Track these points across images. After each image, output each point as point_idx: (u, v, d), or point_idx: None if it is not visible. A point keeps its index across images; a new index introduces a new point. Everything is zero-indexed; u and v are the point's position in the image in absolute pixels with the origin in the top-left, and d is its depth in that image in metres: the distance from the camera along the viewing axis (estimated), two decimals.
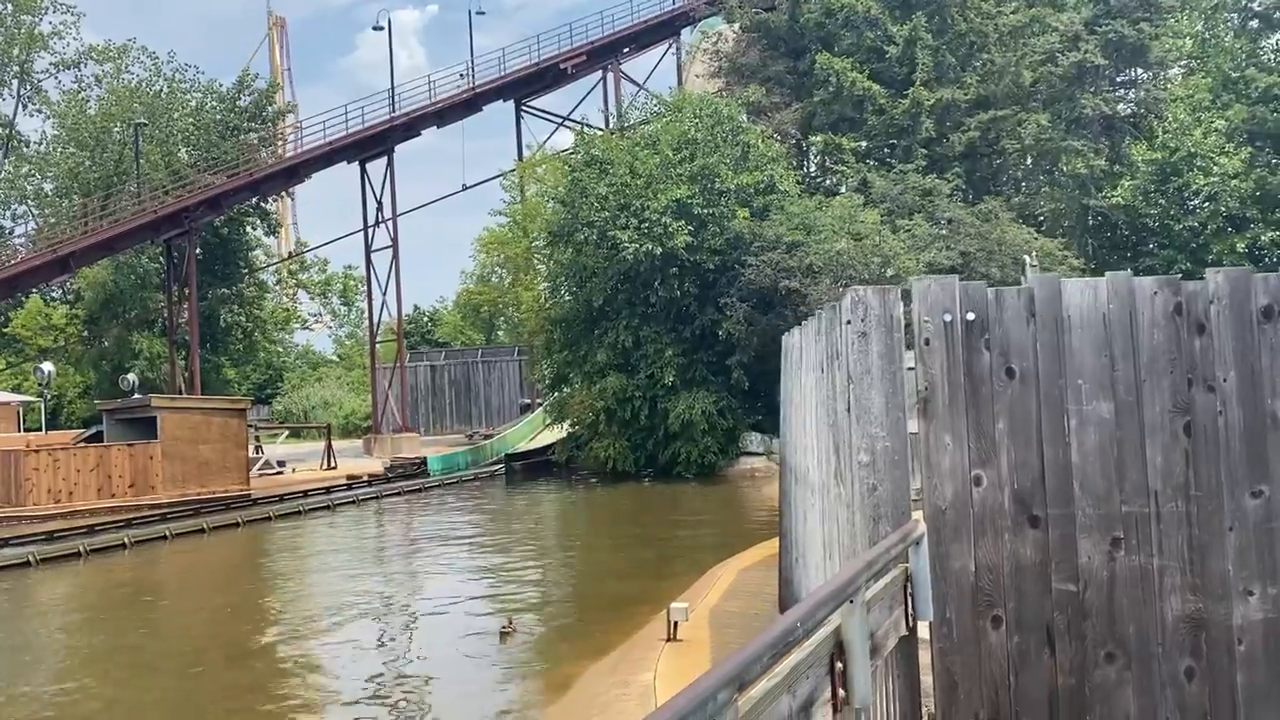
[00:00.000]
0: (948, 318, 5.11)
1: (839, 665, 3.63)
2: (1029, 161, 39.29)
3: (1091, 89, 36.85)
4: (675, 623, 8.73)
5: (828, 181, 38.87)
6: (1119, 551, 4.98)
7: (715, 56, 43.54)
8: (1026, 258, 18.64)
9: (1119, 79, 40.10)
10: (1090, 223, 36.51)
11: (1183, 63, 40.58)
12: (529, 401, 47.73)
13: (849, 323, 5.24)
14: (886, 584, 4.69)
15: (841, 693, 3.64)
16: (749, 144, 32.13)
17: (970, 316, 5.10)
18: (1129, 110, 38.95)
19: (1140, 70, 39.67)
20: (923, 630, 5.12)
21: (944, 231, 30.93)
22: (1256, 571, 4.83)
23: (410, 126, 43.41)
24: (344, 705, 10.35)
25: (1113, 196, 35.10)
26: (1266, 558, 4.85)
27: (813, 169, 41.27)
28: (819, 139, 37.45)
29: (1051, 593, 5.00)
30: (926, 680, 5.09)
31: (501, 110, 47.98)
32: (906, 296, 5.11)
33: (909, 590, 4.91)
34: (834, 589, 3.50)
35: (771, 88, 39.17)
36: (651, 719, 2.19)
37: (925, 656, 5.08)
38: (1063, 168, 35.94)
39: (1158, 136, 35.73)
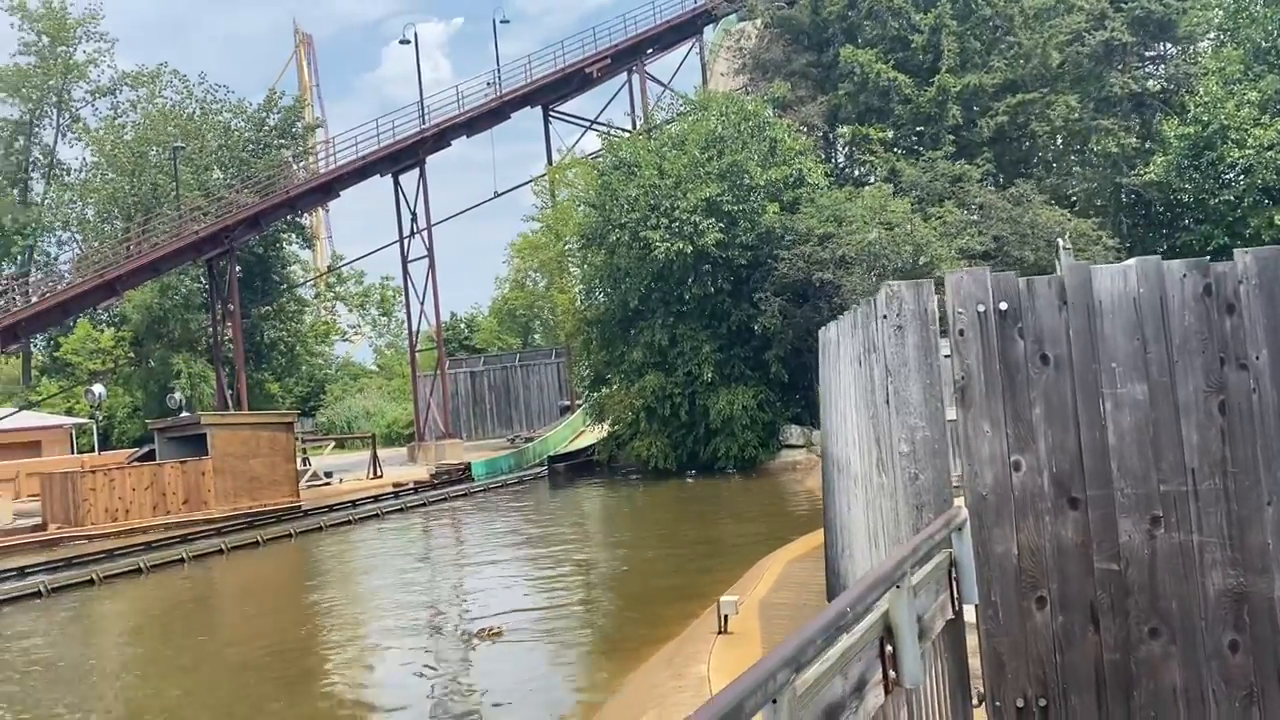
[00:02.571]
0: (981, 308, 5.23)
1: (888, 648, 3.82)
2: (1059, 143, 38.97)
3: (1120, 67, 36.47)
4: (726, 616, 8.90)
5: (856, 172, 38.82)
6: (1159, 529, 5.07)
7: (738, 54, 43.60)
8: (1060, 240, 18.58)
9: (1147, 55, 39.64)
10: (1124, 201, 36.14)
11: (1212, 35, 40.02)
12: (568, 403, 48.07)
13: (885, 317, 5.39)
14: (932, 569, 4.85)
15: (892, 674, 3.82)
16: (776, 139, 32.20)
17: (1003, 306, 5.22)
18: (1159, 86, 38.50)
19: (1169, 45, 39.19)
20: (970, 614, 5.28)
21: (975, 217, 30.82)
22: None
23: (440, 137, 43.87)
24: (401, 700, 10.63)
25: (1146, 174, 34.74)
26: None
27: (841, 160, 41.22)
28: (846, 130, 37.43)
29: (1094, 572, 5.10)
30: (975, 663, 5.25)
31: (530, 116, 48.44)
32: (940, 289, 5.26)
33: (953, 575, 5.07)
34: (881, 574, 3.68)
35: (796, 82, 39.18)
36: (718, 697, 2.39)
37: (973, 639, 5.24)
38: (1094, 147, 35.62)
39: (1189, 111, 35.30)
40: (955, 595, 5.06)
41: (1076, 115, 35.51)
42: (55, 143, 68.53)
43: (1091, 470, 5.07)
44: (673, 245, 29.09)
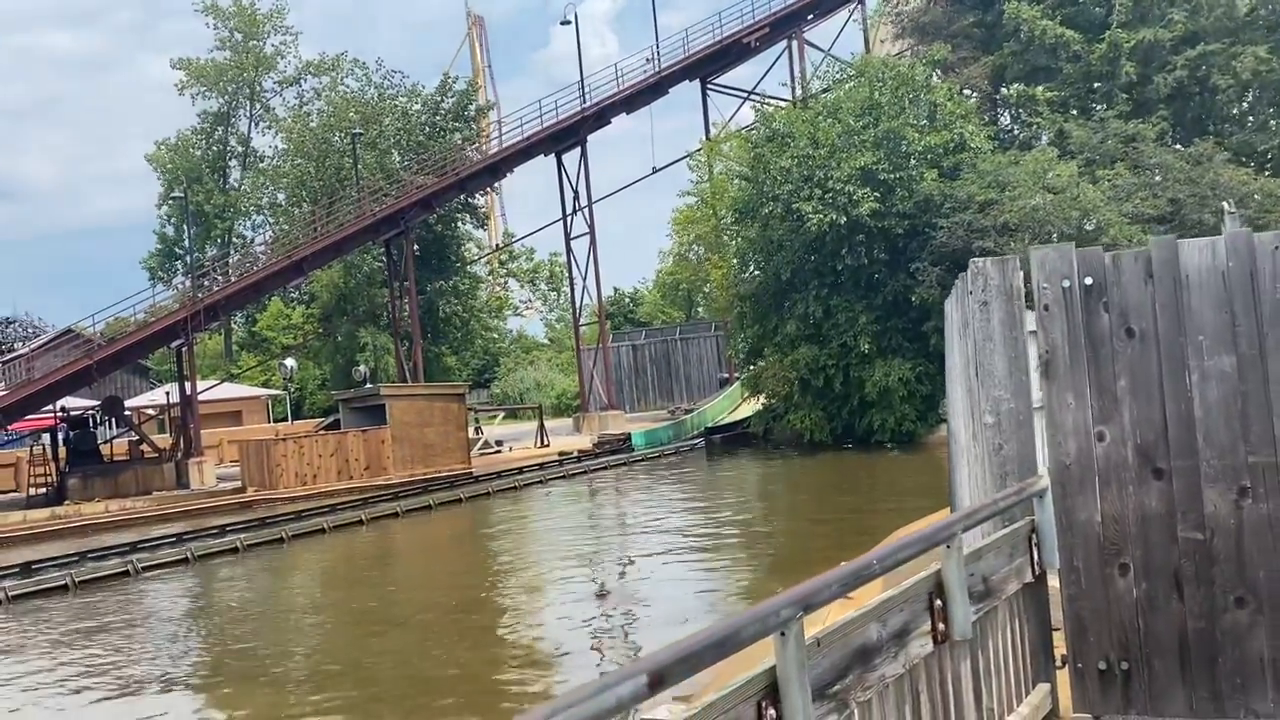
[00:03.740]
0: (1066, 283, 5.38)
1: (938, 602, 4.12)
2: (1250, 97, 36.42)
3: None
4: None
5: (1022, 135, 37.42)
6: (1246, 500, 5.11)
7: (898, 18, 42.59)
8: (1225, 204, 17.60)
9: None
10: None
11: None
12: (726, 376, 48.49)
13: (971, 293, 5.61)
14: (1008, 533, 5.09)
15: (941, 626, 4.13)
16: (936, 102, 31.48)
17: (1088, 281, 5.35)
18: None
19: None
20: (1053, 579, 5.47)
21: (1154, 179, 29.33)
22: None
23: (600, 115, 44.69)
24: (564, 645, 11.41)
25: None
26: None
27: (1007, 123, 39.79)
28: (1012, 91, 36.14)
29: (1178, 541, 5.19)
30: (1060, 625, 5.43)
31: (689, 89, 48.65)
32: (1027, 264, 5.45)
33: (1033, 540, 5.29)
34: (920, 536, 3.99)
35: (959, 43, 37.98)
36: (721, 621, 2.81)
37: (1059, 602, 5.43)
38: None
39: None
40: (1035, 559, 5.29)
41: (1268, 67, 33.13)
42: (249, 132, 73.48)
43: (1176, 441, 5.16)
44: (826, 216, 28.96)
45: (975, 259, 5.61)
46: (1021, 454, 5.42)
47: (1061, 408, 5.33)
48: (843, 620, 3.47)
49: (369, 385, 39.36)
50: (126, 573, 18.24)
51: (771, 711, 2.91)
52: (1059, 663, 5.38)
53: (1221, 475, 5.10)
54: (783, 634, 2.93)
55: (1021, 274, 5.48)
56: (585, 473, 31.74)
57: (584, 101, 44.17)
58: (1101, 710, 5.31)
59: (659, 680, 2.36)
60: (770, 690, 2.93)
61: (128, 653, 12.97)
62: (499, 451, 38.80)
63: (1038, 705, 5.13)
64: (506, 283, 75.74)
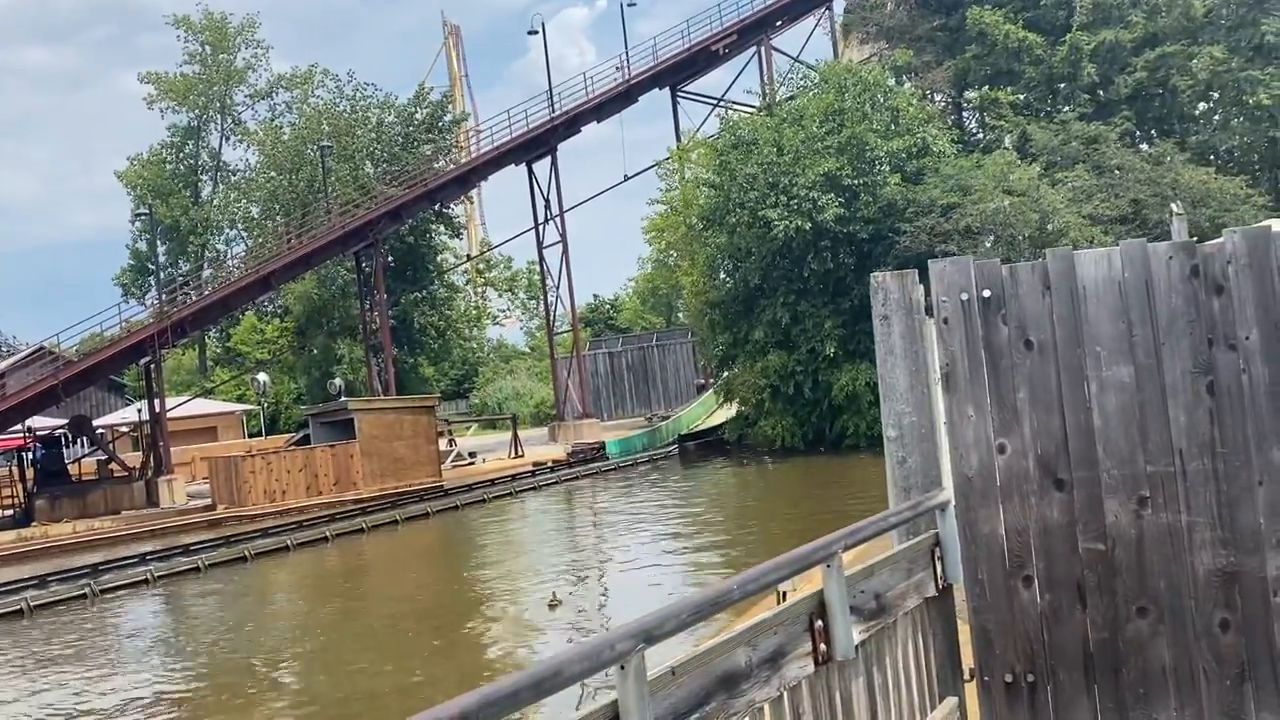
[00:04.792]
0: (964, 296, 5.38)
1: (819, 623, 4.10)
2: (1210, 98, 36.74)
3: (1277, 12, 34.09)
4: (784, 593, 9.14)
5: (986, 138, 37.63)
6: (1146, 510, 5.12)
7: (864, 22, 42.75)
8: (1173, 206, 17.68)
9: None
10: (1278, 157, 33.84)
11: None
12: (703, 382, 48.52)
13: (872, 308, 5.60)
14: (907, 548, 5.08)
15: (824, 647, 4.11)
16: (898, 108, 31.61)
17: (986, 294, 5.35)
18: None
19: None
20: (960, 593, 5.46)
21: (1115, 179, 29.50)
22: None
23: (571, 124, 44.68)
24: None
25: None
26: None
27: (972, 126, 40.01)
28: (974, 95, 36.32)
29: (1080, 552, 5.19)
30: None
31: (660, 97, 48.72)
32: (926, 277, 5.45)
33: (937, 554, 5.28)
34: (794, 556, 3.96)
35: (922, 47, 38.19)
36: (547, 660, 2.76)
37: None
38: (1247, 100, 33.44)
39: None
40: (939, 574, 5.28)
41: (1225, 67, 33.45)
42: (220, 146, 73.14)
43: (1076, 452, 5.16)
44: (791, 223, 29.03)
45: (876, 273, 5.61)
46: (924, 467, 5.40)
47: (962, 420, 5.32)
48: (704, 648, 3.44)
49: (344, 398, 39.15)
50: (85, 595, 18.06)
51: None
52: (967, 676, 5.37)
53: (1121, 485, 5.11)
54: (622, 668, 2.89)
55: (921, 288, 5.48)
56: (558, 483, 31.66)
57: (554, 110, 44.16)
58: None
59: None
60: None
61: (85, 678, 12.83)
62: (472, 463, 38.65)
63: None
64: (485, 292, 75.53)
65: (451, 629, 13.89)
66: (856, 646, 4.31)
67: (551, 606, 13.36)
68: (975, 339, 5.31)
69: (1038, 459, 5.21)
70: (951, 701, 5.25)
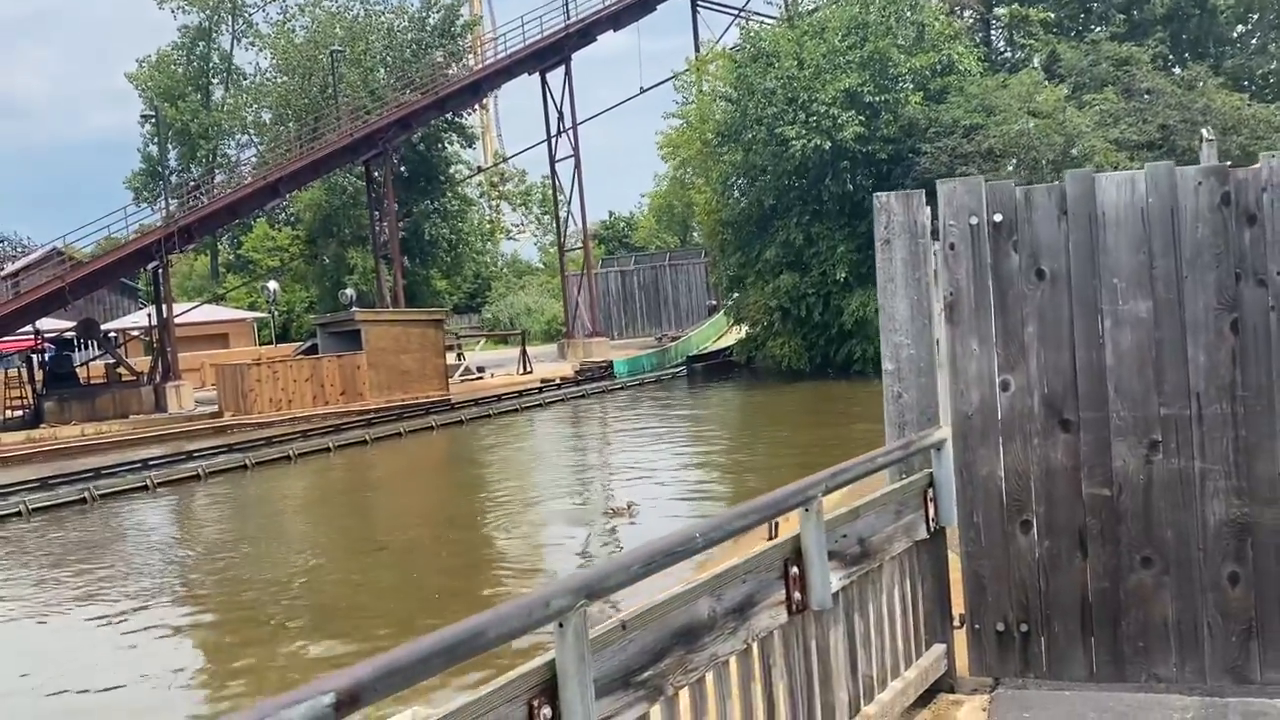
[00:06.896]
0: (974, 220, 4.98)
1: (794, 570, 3.80)
2: (1253, 19, 35.32)
3: None
4: (776, 524, 8.90)
5: (1015, 57, 36.40)
6: (1156, 455, 4.79)
7: None
8: (1203, 131, 16.93)
9: None
10: None
11: None
12: (715, 303, 48.11)
13: (874, 231, 5.21)
14: (896, 489, 4.77)
15: (799, 595, 3.81)
16: (924, 23, 30.51)
17: (997, 218, 4.95)
18: None
19: None
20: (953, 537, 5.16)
21: (1144, 103, 28.49)
22: None
23: (586, 33, 43.50)
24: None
25: None
26: None
27: (1000, 45, 38.70)
28: (1004, 12, 35.03)
29: (1084, 497, 4.89)
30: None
31: (679, 6, 47.34)
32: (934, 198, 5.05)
33: (929, 495, 4.96)
34: (768, 501, 3.64)
35: None
36: (468, 620, 2.46)
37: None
38: None
39: None
40: (931, 516, 4.96)
41: None
42: (231, 48, 71.78)
43: (1086, 391, 4.81)
44: (810, 141, 28.23)
45: (881, 194, 5.19)
46: (921, 403, 5.06)
47: (964, 354, 4.97)
48: (660, 599, 3.15)
49: (354, 308, 38.93)
50: (84, 500, 18.08)
51: (546, 710, 2.59)
52: (957, 623, 5.10)
53: (1132, 428, 4.77)
54: (560, 625, 2.60)
55: (928, 210, 5.06)
56: (564, 400, 31.53)
57: (568, 17, 42.96)
58: (999, 673, 5.06)
59: (352, 700, 1.99)
60: (548, 686, 2.61)
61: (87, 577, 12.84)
62: (480, 378, 38.56)
63: (927, 669, 4.87)
64: (499, 205, 74.73)
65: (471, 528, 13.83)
66: (836, 593, 4.03)
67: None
68: (983, 267, 4.92)
69: (1043, 398, 4.87)
70: (939, 649, 5.00)
